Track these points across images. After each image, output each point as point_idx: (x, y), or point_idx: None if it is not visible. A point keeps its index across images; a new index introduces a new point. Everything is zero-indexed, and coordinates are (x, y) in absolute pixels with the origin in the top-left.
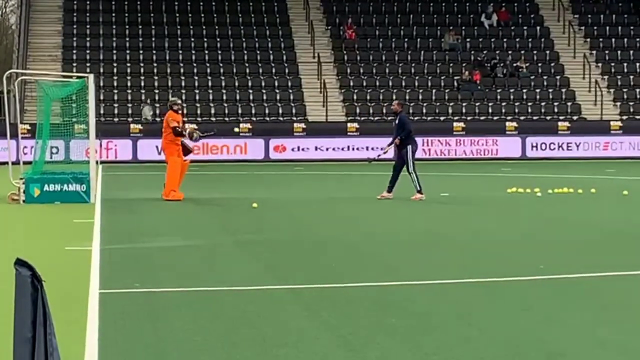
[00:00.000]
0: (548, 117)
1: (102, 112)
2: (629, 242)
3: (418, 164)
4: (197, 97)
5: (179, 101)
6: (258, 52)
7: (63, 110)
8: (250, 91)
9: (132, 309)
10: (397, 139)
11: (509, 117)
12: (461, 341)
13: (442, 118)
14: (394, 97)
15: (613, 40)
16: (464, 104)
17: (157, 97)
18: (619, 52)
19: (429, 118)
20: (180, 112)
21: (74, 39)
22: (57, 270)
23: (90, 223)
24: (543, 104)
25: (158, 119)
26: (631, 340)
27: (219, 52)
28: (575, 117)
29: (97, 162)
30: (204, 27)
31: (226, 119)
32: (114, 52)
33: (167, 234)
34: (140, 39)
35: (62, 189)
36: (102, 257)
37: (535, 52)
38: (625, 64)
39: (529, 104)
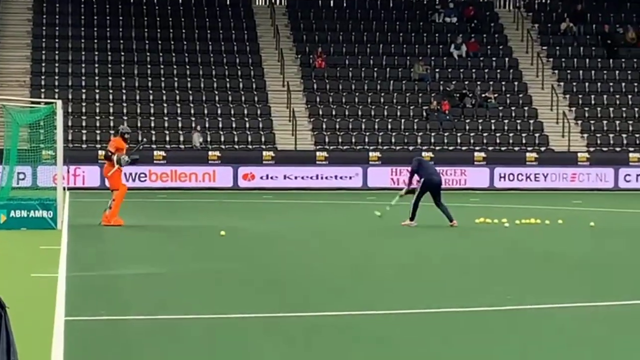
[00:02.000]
0: (516, 148)
1: (70, 138)
2: (597, 273)
3: (387, 193)
4: (166, 125)
5: (129, 130)
6: (227, 79)
7: (31, 136)
8: (220, 119)
9: (98, 337)
10: (412, 180)
11: (477, 148)
12: None
13: (410, 148)
14: (363, 127)
15: (581, 72)
16: (432, 134)
17: (125, 123)
18: (586, 84)
19: (398, 147)
20: (127, 141)
21: (43, 64)
22: (22, 297)
23: (56, 250)
24: (511, 134)
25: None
26: None
27: (188, 79)
28: (543, 148)
29: (64, 189)
30: (173, 54)
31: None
32: (83, 78)
33: (134, 261)
34: (109, 66)
35: (29, 216)
36: (69, 284)
37: (503, 83)
38: (592, 96)
39: (497, 134)
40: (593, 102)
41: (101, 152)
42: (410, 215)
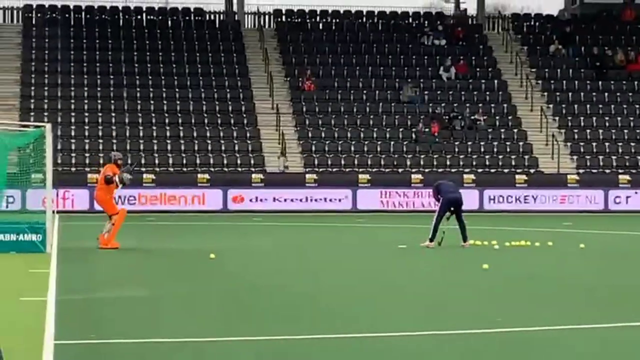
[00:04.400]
0: (505, 170)
1: (59, 161)
2: (586, 296)
3: (376, 215)
4: (155, 147)
5: (121, 156)
6: (217, 102)
7: (20, 160)
8: (209, 141)
9: None
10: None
11: (466, 170)
12: None
13: (400, 170)
14: (352, 149)
15: (570, 94)
16: (421, 156)
17: (115, 147)
18: (575, 105)
19: (387, 170)
20: (120, 167)
21: (32, 88)
22: (11, 321)
23: (46, 273)
24: (500, 156)
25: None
26: None
27: (178, 102)
28: (532, 170)
29: (53, 212)
30: (162, 77)
31: (184, 169)
32: (72, 101)
33: (124, 284)
34: (99, 89)
35: (18, 239)
36: (58, 307)
37: (492, 105)
38: (581, 118)
39: (487, 156)
40: (582, 123)
41: (91, 175)
42: (430, 236)
